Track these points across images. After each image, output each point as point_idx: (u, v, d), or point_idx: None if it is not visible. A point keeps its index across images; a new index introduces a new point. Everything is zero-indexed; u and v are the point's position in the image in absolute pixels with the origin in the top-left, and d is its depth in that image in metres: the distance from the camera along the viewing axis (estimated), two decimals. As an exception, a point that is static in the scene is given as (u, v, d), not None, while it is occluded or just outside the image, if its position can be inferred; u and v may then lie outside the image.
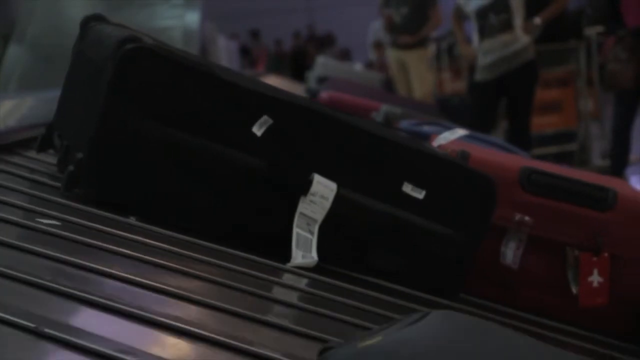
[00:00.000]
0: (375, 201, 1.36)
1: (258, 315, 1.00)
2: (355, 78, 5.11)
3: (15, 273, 0.91)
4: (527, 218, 1.46)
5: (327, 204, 1.32)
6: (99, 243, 1.12)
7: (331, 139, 1.37)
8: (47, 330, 0.76)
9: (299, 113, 1.36)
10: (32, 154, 1.51)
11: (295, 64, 11.85)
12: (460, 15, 4.91)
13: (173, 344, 0.86)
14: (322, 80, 4.23)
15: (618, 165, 4.74)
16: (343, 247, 1.36)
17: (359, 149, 1.38)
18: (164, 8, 6.87)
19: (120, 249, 1.12)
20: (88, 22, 1.48)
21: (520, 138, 4.47)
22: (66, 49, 6.84)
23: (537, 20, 4.65)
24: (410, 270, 1.37)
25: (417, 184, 1.37)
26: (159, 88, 1.32)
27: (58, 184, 1.34)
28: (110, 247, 1.12)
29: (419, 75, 6.15)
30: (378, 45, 8.26)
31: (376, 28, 8.04)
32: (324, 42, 12.44)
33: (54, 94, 4.09)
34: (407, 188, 1.37)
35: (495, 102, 4.77)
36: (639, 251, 1.44)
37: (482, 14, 4.55)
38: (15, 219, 1.13)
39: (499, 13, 4.50)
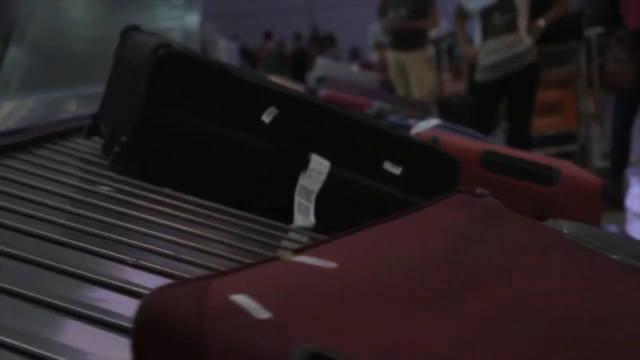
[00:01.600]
0: (361, 176, 1.78)
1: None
2: (352, 78, 5.50)
3: (89, 215, 1.34)
4: (486, 191, 1.88)
5: (322, 178, 1.74)
6: (144, 203, 1.54)
7: (326, 126, 1.78)
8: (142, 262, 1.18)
9: (299, 105, 1.78)
10: (80, 140, 1.93)
11: (296, 65, 12.23)
12: (462, 15, 5.07)
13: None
14: (321, 80, 4.59)
15: (618, 166, 4.98)
16: (335, 213, 1.77)
17: (349, 134, 1.79)
18: (164, 9, 7.06)
19: (159, 207, 1.54)
20: (127, 31, 1.89)
21: (520, 139, 4.71)
22: (66, 50, 7.12)
23: (541, 22, 4.84)
24: (389, 231, 1.78)
25: (395, 162, 1.79)
26: (186, 85, 1.73)
27: (105, 163, 1.75)
28: (152, 206, 1.54)
29: (418, 76, 6.42)
30: (379, 46, 8.60)
31: (376, 29, 8.36)
32: (324, 43, 12.83)
33: (54, 96, 4.35)
34: (387, 165, 1.79)
35: (496, 102, 4.95)
36: (578, 218, 1.85)
37: (486, 13, 4.69)
38: (81, 185, 1.55)
39: (503, 13, 4.63)
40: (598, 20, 5.99)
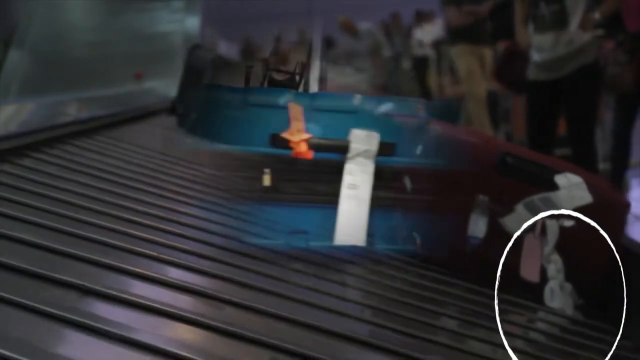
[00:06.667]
0: (340, 138, 3.44)
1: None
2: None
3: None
4: (421, 149, 3.55)
5: (316, 138, 3.39)
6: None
7: (318, 107, 3.43)
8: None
9: (301, 93, 3.44)
10: (157, 121, 3.59)
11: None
12: None
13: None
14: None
15: (618, 168, 5.37)
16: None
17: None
18: (164, 13, 8.31)
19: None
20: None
21: (582, 153, 4.64)
22: (65, 54, 8.70)
23: (596, 15, 4.67)
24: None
25: (362, 129, 3.44)
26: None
27: (181, 129, 3.41)
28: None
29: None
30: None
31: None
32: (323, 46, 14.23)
33: (54, 99, 5.56)
34: (357, 131, 3.44)
35: (553, 106, 4.78)
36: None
37: (532, 1, 4.65)
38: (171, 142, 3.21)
39: (550, 2, 4.58)
40: (598, 22, 5.85)
